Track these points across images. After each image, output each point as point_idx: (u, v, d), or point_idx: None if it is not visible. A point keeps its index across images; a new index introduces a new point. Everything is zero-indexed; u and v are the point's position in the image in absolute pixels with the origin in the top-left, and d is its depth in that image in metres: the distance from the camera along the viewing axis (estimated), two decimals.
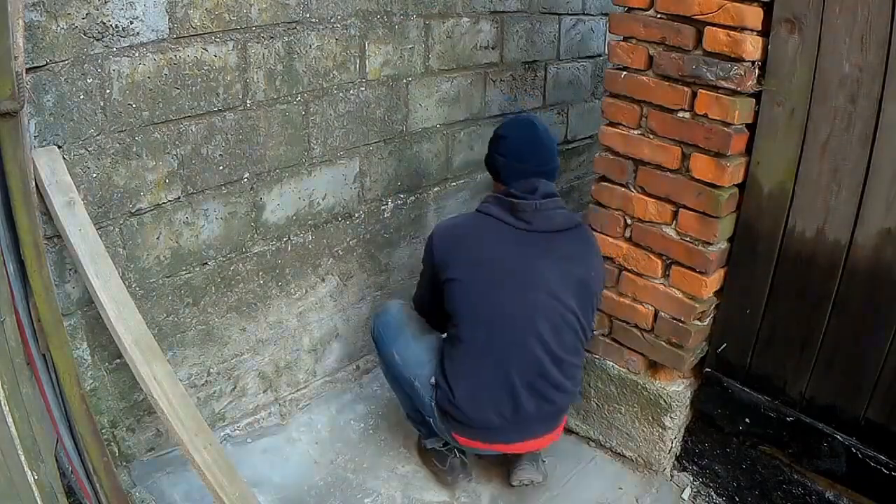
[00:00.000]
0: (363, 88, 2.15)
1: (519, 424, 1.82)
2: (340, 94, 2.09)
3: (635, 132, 1.85)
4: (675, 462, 2.12)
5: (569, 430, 2.29)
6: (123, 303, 1.57)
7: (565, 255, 1.78)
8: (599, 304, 1.92)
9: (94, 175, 1.62)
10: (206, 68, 1.74)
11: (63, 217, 1.51)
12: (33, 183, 1.43)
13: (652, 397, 2.04)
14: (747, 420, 1.92)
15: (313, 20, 1.93)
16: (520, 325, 1.75)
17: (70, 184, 1.53)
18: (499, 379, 1.77)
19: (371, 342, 2.12)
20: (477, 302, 1.76)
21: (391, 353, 1.99)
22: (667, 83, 1.74)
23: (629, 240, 1.95)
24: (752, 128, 1.72)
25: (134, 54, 1.60)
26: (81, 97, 1.54)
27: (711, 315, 1.94)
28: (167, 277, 1.85)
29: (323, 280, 2.27)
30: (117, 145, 1.64)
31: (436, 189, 2.52)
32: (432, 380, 1.88)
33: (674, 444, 2.10)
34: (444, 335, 1.92)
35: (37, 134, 1.48)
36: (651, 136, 1.82)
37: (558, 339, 1.76)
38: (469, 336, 1.78)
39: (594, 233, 2.00)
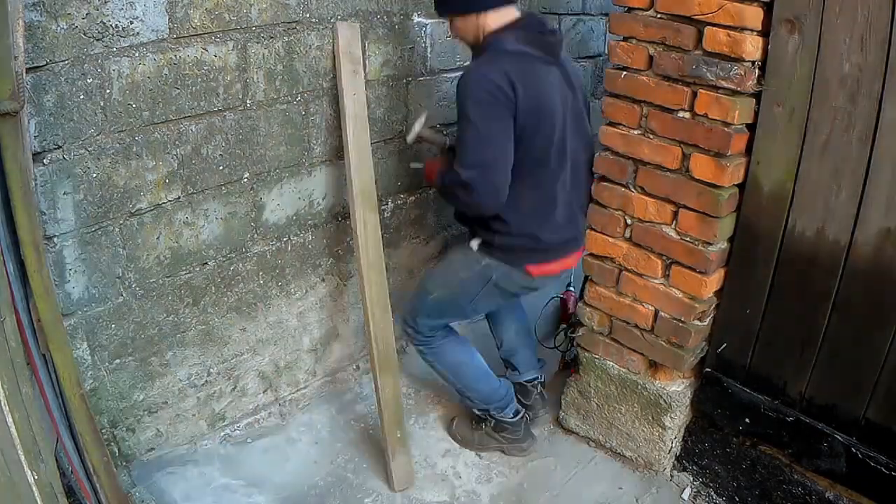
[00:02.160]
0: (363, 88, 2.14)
1: (574, 232, 2.00)
2: None
3: (635, 132, 1.85)
4: (675, 462, 2.12)
5: (569, 430, 2.30)
6: (364, 160, 2.02)
7: (575, 81, 1.90)
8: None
9: (94, 175, 1.62)
10: (206, 68, 1.74)
11: (346, 80, 1.97)
12: (33, 183, 1.43)
13: (652, 397, 2.04)
14: (747, 420, 1.92)
15: (313, 20, 1.93)
16: (564, 148, 1.86)
17: (359, 57, 2.02)
18: (554, 195, 1.89)
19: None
20: (537, 128, 1.77)
21: (429, 302, 2.03)
22: (667, 83, 1.74)
23: (629, 240, 1.95)
24: (752, 128, 1.72)
25: (134, 54, 1.60)
26: (81, 97, 1.54)
27: (711, 315, 1.94)
28: (167, 277, 1.86)
29: (323, 280, 2.28)
30: (117, 145, 1.64)
31: (436, 189, 2.52)
32: (474, 244, 1.95)
33: (674, 444, 2.10)
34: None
35: (37, 134, 1.49)
36: (651, 136, 1.82)
37: (581, 159, 1.95)
38: (530, 161, 1.80)
39: (592, 232, 2.03)
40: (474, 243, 1.95)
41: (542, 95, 1.75)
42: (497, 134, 1.71)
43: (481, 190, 1.74)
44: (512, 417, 2.18)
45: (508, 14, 1.79)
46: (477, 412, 2.20)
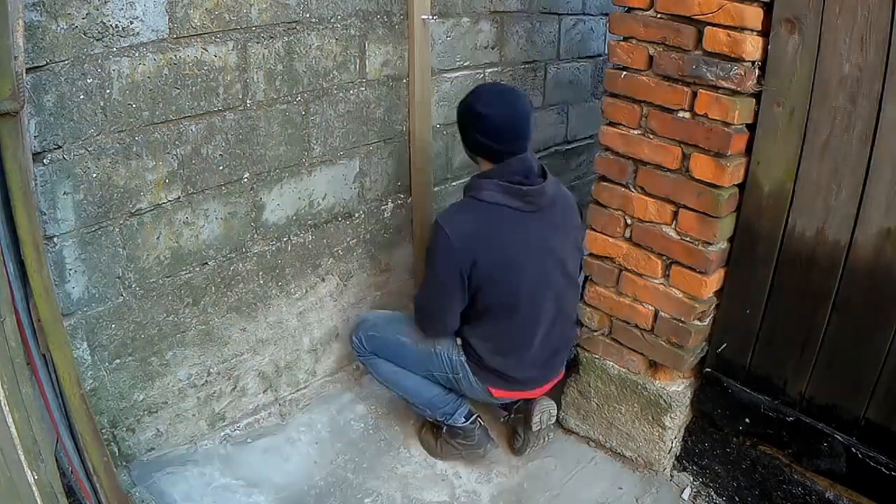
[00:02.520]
0: (363, 88, 2.15)
1: (545, 371, 2.05)
2: (340, 94, 2.09)
3: (635, 132, 1.85)
4: (675, 462, 2.12)
5: (569, 430, 2.30)
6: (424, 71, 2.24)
7: (563, 222, 1.94)
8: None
9: (94, 175, 1.62)
10: (206, 68, 1.74)
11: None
12: (33, 183, 1.43)
13: (652, 397, 2.04)
14: (747, 420, 1.92)
15: (313, 20, 1.93)
16: (541, 293, 1.91)
17: None
18: (529, 337, 1.94)
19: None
20: (502, 280, 1.84)
21: (396, 340, 2.04)
22: (667, 83, 1.74)
23: (629, 240, 1.95)
24: (752, 128, 1.72)
25: (134, 54, 1.60)
26: (81, 97, 1.54)
27: (711, 315, 1.94)
28: (167, 277, 1.86)
29: (323, 280, 2.28)
30: (117, 145, 1.64)
31: (436, 189, 2.52)
32: (458, 340, 1.97)
33: (674, 444, 2.10)
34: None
35: (37, 134, 1.49)
36: (651, 136, 1.82)
37: (567, 299, 2.00)
38: (497, 306, 1.88)
39: (592, 232, 2.03)
40: (458, 340, 1.99)
41: (507, 250, 1.82)
42: (446, 283, 1.86)
43: (425, 324, 1.99)
44: (463, 422, 2.09)
45: (519, 166, 1.83)
46: (429, 420, 2.16)
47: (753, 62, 1.64)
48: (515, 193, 1.81)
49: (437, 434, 2.18)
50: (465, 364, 1.98)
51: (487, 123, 1.80)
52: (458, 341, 1.98)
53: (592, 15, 2.95)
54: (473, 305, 1.90)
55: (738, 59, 1.61)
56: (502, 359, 1.94)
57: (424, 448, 2.22)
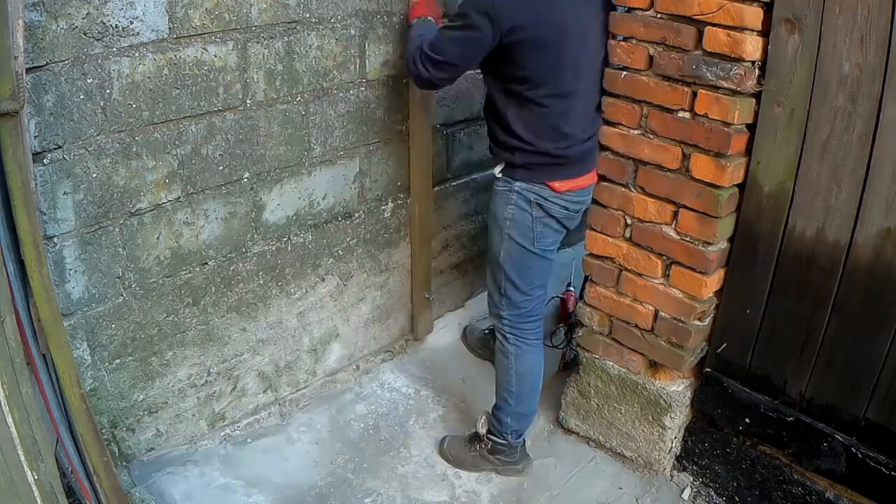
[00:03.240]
0: (363, 88, 2.15)
1: (590, 154, 1.94)
2: (340, 94, 2.09)
3: (635, 132, 1.85)
4: (675, 462, 2.12)
5: (569, 430, 2.30)
6: None
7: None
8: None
9: (94, 175, 1.62)
10: (206, 68, 1.74)
11: None
12: (33, 183, 1.43)
13: (652, 397, 2.04)
14: (747, 420, 1.92)
15: (313, 20, 1.94)
16: (584, 75, 1.84)
17: None
18: (570, 110, 1.83)
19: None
20: (546, 46, 1.73)
21: (510, 257, 1.97)
22: (667, 83, 1.74)
23: (629, 240, 1.95)
24: (752, 128, 1.72)
25: (134, 54, 1.60)
26: (81, 97, 1.54)
27: (711, 315, 1.94)
28: (167, 277, 1.86)
29: (323, 280, 2.28)
30: (117, 145, 1.64)
31: (436, 189, 2.52)
32: (501, 167, 1.91)
33: (674, 444, 2.10)
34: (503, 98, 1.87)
35: (37, 134, 1.49)
36: (651, 136, 1.82)
37: (599, 81, 1.90)
38: (541, 78, 1.78)
39: (592, 232, 2.02)
40: (497, 169, 1.92)
41: (550, 14, 1.72)
42: (469, 42, 1.74)
43: (423, 68, 1.82)
44: (515, 439, 2.10)
45: None
46: (485, 434, 2.12)
47: (753, 62, 1.64)
48: None
49: (471, 447, 2.15)
50: (521, 183, 1.87)
51: None
52: (498, 170, 1.91)
53: None
54: (511, 83, 1.81)
55: (738, 59, 1.61)
56: (548, 138, 1.84)
57: (448, 460, 2.18)
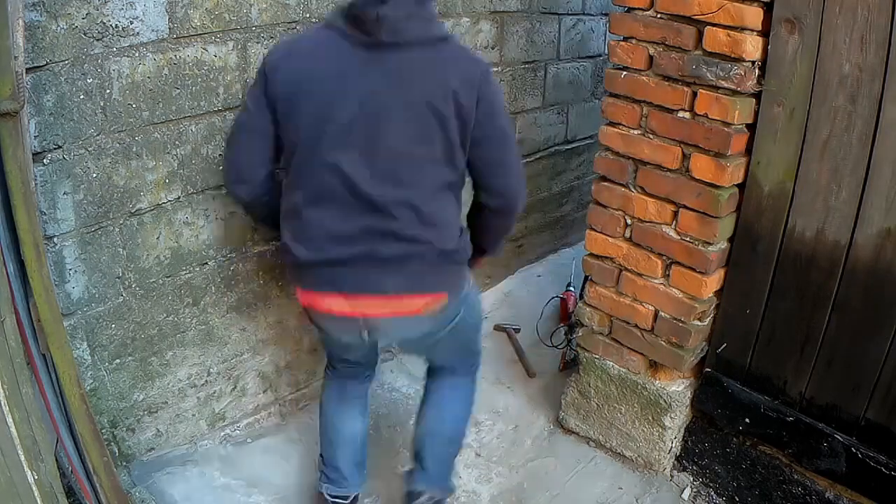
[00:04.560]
0: None
1: (371, 257, 1.47)
2: None
3: (635, 132, 1.85)
4: (675, 462, 2.12)
5: (569, 430, 2.30)
6: None
7: (415, 74, 1.42)
8: (491, 128, 1.51)
9: (94, 175, 1.62)
10: (206, 68, 1.74)
11: None
12: (33, 183, 1.43)
13: (652, 397, 2.04)
14: (747, 420, 1.92)
15: (313, 20, 1.93)
16: (330, 146, 1.43)
17: None
18: (348, 214, 1.45)
19: None
20: (291, 107, 1.44)
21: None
22: (667, 83, 1.75)
23: (629, 240, 1.95)
24: (752, 128, 1.72)
25: (134, 54, 1.60)
26: (81, 97, 1.54)
27: (711, 315, 1.94)
28: (167, 277, 1.86)
29: None
30: (117, 145, 1.64)
31: None
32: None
33: (674, 444, 2.10)
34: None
35: (37, 134, 1.49)
36: (651, 136, 1.82)
37: (415, 177, 1.47)
38: (299, 161, 1.47)
39: (592, 232, 2.02)
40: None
41: (304, 74, 1.43)
42: (249, 107, 1.50)
43: (226, 161, 1.60)
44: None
45: None
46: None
47: (753, 62, 1.64)
48: (352, 17, 1.39)
49: None
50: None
51: None
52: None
53: (592, 15, 2.95)
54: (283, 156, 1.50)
55: (738, 59, 1.61)
56: (289, 226, 1.51)
57: None
